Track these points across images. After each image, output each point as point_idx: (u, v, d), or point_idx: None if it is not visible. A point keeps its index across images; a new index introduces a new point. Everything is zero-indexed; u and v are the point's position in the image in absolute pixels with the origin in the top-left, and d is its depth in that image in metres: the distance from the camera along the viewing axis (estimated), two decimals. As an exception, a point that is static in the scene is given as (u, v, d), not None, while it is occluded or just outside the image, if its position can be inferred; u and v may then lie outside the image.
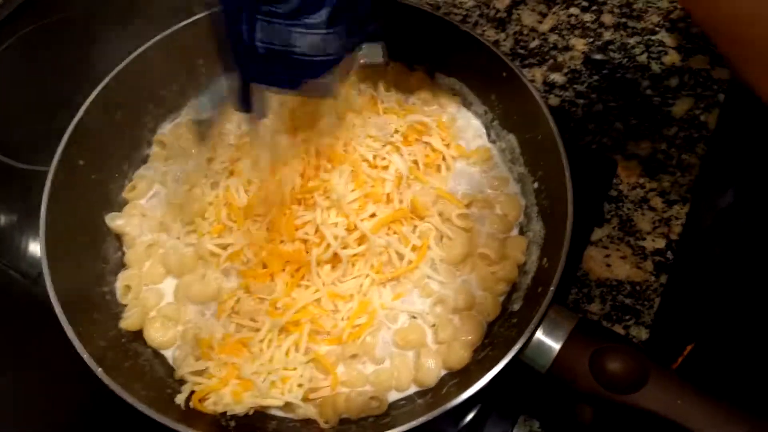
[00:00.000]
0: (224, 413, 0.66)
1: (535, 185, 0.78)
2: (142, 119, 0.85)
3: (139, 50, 0.80)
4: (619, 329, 0.79)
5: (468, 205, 0.78)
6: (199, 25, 0.82)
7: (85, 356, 0.61)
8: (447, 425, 0.73)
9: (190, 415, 0.65)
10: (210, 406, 0.66)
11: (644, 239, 0.85)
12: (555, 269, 0.64)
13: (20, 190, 0.93)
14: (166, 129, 0.87)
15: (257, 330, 0.69)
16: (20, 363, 0.80)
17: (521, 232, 0.79)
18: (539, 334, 0.62)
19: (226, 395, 0.66)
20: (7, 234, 0.90)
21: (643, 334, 0.78)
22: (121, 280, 0.75)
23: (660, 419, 0.56)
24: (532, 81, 0.97)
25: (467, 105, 0.88)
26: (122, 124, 0.82)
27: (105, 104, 0.78)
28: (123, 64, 0.79)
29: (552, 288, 0.63)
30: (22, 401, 0.78)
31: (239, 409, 0.66)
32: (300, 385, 0.67)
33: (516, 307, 0.71)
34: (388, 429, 0.58)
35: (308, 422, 0.67)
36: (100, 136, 0.78)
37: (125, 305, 0.74)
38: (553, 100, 0.97)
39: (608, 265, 0.83)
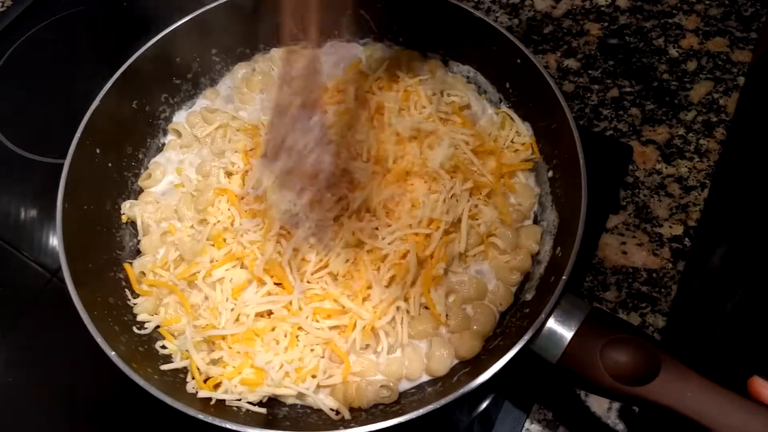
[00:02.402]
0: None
1: (550, 174, 0.77)
2: (157, 108, 0.86)
3: (152, 41, 0.81)
4: (635, 317, 0.78)
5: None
6: (211, 15, 0.83)
7: (99, 340, 0.62)
8: (461, 414, 0.73)
9: (202, 399, 0.66)
10: (223, 393, 0.66)
11: (661, 226, 0.84)
12: (568, 259, 0.64)
13: (40, 183, 0.94)
14: (181, 117, 0.88)
15: (273, 328, 0.69)
16: (42, 351, 0.82)
17: (535, 221, 0.78)
18: (551, 324, 0.61)
19: (240, 383, 0.66)
20: (28, 227, 0.91)
21: (660, 322, 0.77)
22: (136, 267, 0.76)
23: (672, 413, 0.55)
24: (547, 67, 0.96)
25: (481, 92, 0.87)
26: (137, 113, 0.83)
27: (120, 94, 0.78)
28: (136, 55, 0.80)
29: (564, 277, 0.62)
30: (45, 387, 0.79)
31: (252, 397, 0.66)
32: (314, 376, 0.67)
33: (528, 296, 0.70)
34: (398, 416, 0.58)
35: (319, 409, 0.67)
36: (115, 124, 0.79)
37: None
38: (568, 87, 0.96)
39: (624, 252, 0.82)
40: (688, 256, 0.81)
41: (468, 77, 0.87)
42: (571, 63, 0.98)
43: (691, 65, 0.95)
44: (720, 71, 0.94)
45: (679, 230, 0.83)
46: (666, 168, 0.88)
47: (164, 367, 0.68)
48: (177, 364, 0.69)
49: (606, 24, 1.01)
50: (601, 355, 0.58)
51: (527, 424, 0.72)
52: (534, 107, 0.80)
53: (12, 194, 0.94)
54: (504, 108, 0.84)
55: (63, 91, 1.04)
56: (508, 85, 0.83)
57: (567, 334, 0.60)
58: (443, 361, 0.68)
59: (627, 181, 0.87)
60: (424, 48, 0.89)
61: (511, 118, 0.82)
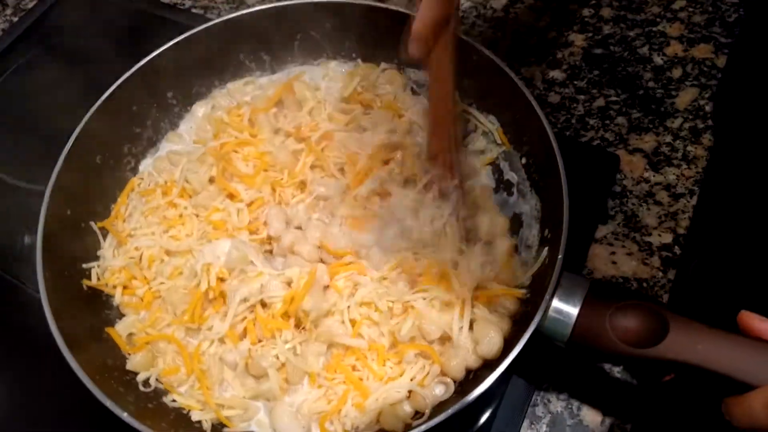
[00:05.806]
0: None
1: (523, 160, 0.77)
2: (121, 160, 0.84)
3: (105, 95, 0.80)
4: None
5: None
6: (163, 58, 0.83)
7: (108, 403, 0.60)
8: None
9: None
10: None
11: (650, 234, 0.82)
12: (559, 237, 0.63)
13: (35, 212, 0.93)
14: (147, 165, 0.86)
15: None
16: (34, 389, 0.79)
17: (516, 214, 0.78)
18: (555, 303, 0.61)
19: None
20: (25, 254, 0.89)
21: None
22: (122, 330, 0.73)
23: (686, 367, 0.55)
24: (532, 79, 0.96)
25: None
26: (102, 168, 0.81)
27: (81, 152, 0.77)
28: (90, 111, 0.78)
29: (560, 256, 0.62)
30: (39, 420, 0.77)
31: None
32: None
33: (526, 282, 0.70)
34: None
35: None
36: (82, 183, 0.78)
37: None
38: (554, 98, 0.95)
39: (614, 262, 0.81)
40: (678, 264, 0.80)
41: (426, 82, 0.87)
42: (557, 74, 0.98)
43: (676, 72, 0.95)
44: (705, 77, 0.93)
45: (668, 238, 0.82)
46: (654, 176, 0.86)
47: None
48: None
49: (590, 34, 1.01)
50: (609, 324, 0.58)
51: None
52: (497, 100, 0.81)
53: (7, 223, 0.92)
54: (466, 106, 0.84)
55: (49, 119, 1.02)
56: (467, 83, 0.83)
57: (573, 310, 0.61)
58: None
59: (615, 191, 0.86)
60: (378, 60, 0.90)
61: (477, 118, 0.83)
